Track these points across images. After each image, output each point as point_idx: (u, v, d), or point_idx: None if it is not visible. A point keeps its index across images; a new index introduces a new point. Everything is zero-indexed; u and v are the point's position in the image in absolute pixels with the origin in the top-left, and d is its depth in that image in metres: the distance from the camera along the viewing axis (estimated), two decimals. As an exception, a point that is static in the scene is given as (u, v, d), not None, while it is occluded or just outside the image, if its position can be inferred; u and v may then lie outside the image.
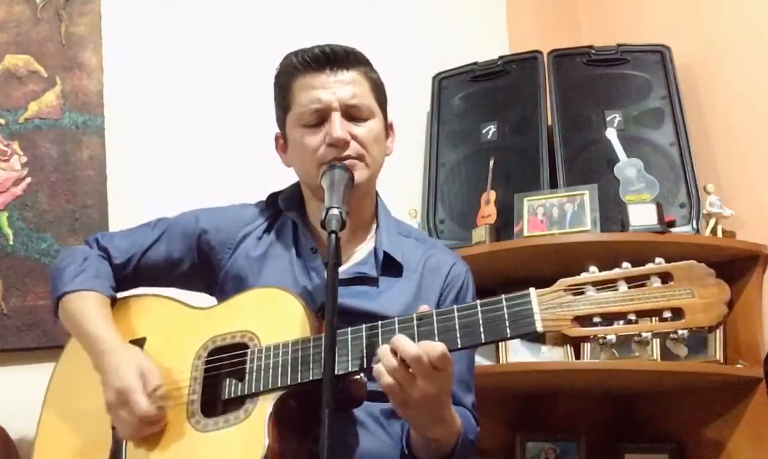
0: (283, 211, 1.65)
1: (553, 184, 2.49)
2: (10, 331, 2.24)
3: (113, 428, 1.47)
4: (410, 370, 1.24)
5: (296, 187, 1.68)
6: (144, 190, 2.46)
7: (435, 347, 1.24)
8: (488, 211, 2.48)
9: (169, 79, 2.57)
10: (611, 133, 2.46)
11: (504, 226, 2.45)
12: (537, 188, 2.48)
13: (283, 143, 1.64)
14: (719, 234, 2.37)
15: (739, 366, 2.32)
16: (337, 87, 1.53)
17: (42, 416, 1.62)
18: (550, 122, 2.61)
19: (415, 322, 1.31)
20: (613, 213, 2.38)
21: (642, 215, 2.28)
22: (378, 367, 1.26)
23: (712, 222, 2.38)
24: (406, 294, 1.55)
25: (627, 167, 2.38)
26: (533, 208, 2.41)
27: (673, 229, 2.32)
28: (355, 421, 1.44)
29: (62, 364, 1.66)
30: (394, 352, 1.25)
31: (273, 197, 1.68)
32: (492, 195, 2.50)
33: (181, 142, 2.54)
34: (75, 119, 2.39)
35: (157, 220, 1.71)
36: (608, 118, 2.54)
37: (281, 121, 1.63)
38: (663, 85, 2.56)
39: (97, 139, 2.40)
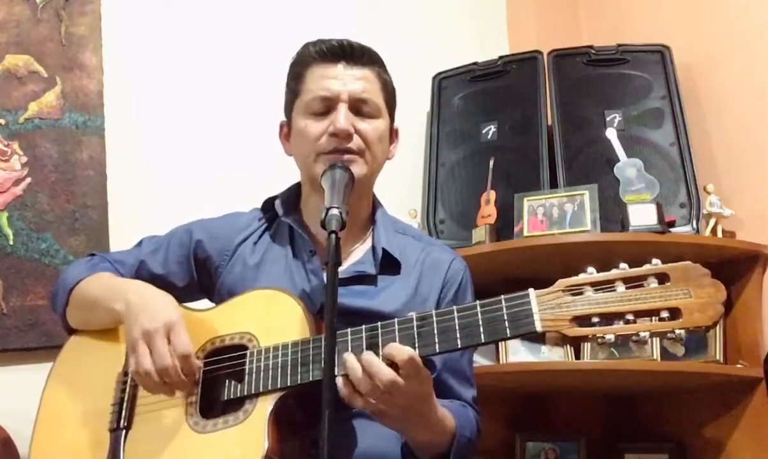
0: (280, 216, 1.64)
1: (553, 184, 2.49)
2: (10, 331, 2.24)
3: (111, 430, 1.47)
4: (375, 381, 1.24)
5: (293, 189, 1.69)
6: (144, 190, 2.46)
7: (402, 351, 1.25)
8: (488, 211, 2.48)
9: (169, 79, 2.57)
10: (611, 133, 2.46)
11: (504, 226, 2.45)
12: (537, 188, 2.48)
13: (287, 131, 1.65)
14: (719, 234, 2.37)
15: (739, 366, 2.31)
16: (349, 80, 1.55)
17: (38, 416, 1.61)
18: (550, 122, 2.61)
19: (414, 322, 1.31)
20: (613, 213, 2.38)
21: (642, 215, 2.28)
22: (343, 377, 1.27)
23: (712, 222, 2.38)
24: (405, 291, 1.55)
25: (627, 167, 2.38)
26: (533, 208, 2.41)
27: (673, 229, 2.32)
28: (354, 419, 1.44)
29: (59, 364, 1.66)
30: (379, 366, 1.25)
31: (269, 202, 1.68)
32: (492, 195, 2.50)
33: (181, 142, 2.55)
34: (75, 119, 2.39)
35: (150, 237, 1.73)
36: (608, 118, 2.53)
37: (288, 108, 1.63)
38: (663, 85, 2.56)
39: (97, 139, 2.40)
